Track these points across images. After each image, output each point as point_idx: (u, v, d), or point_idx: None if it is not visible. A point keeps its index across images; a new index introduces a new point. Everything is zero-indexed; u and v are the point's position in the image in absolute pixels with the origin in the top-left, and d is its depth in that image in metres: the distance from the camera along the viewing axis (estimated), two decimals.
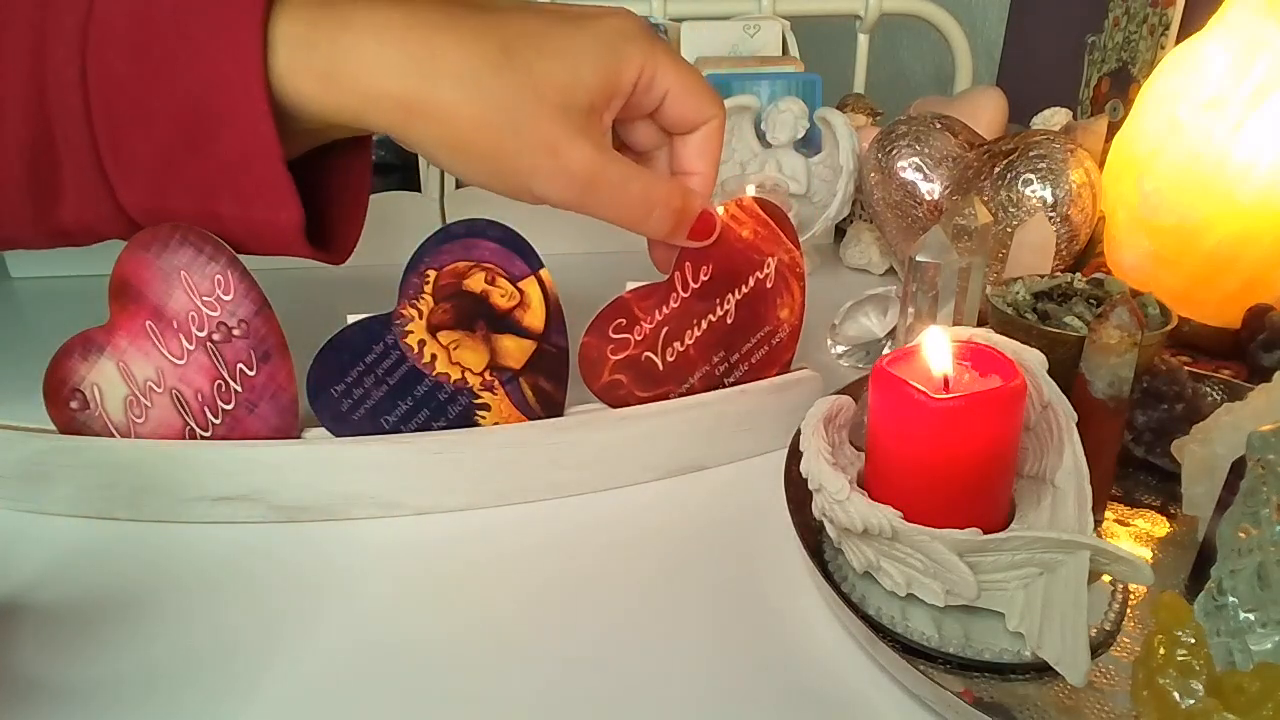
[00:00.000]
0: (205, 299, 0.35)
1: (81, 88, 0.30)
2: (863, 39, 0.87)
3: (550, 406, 0.38)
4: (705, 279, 0.38)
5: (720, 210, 0.37)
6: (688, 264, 0.38)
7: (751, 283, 0.39)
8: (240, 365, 0.36)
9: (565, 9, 0.34)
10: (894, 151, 0.58)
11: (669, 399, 0.40)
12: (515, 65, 0.31)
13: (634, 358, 0.39)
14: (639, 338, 0.38)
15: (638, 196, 0.33)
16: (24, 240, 0.34)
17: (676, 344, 0.39)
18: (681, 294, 0.38)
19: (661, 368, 0.39)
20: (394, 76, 0.31)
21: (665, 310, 0.38)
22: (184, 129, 0.31)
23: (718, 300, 0.39)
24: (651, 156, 0.38)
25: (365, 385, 0.36)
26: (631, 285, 0.38)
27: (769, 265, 0.39)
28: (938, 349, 0.30)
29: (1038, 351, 0.31)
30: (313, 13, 0.31)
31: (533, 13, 0.33)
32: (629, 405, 0.39)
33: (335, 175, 0.39)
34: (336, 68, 0.31)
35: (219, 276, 0.35)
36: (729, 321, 0.40)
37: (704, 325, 0.39)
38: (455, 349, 0.36)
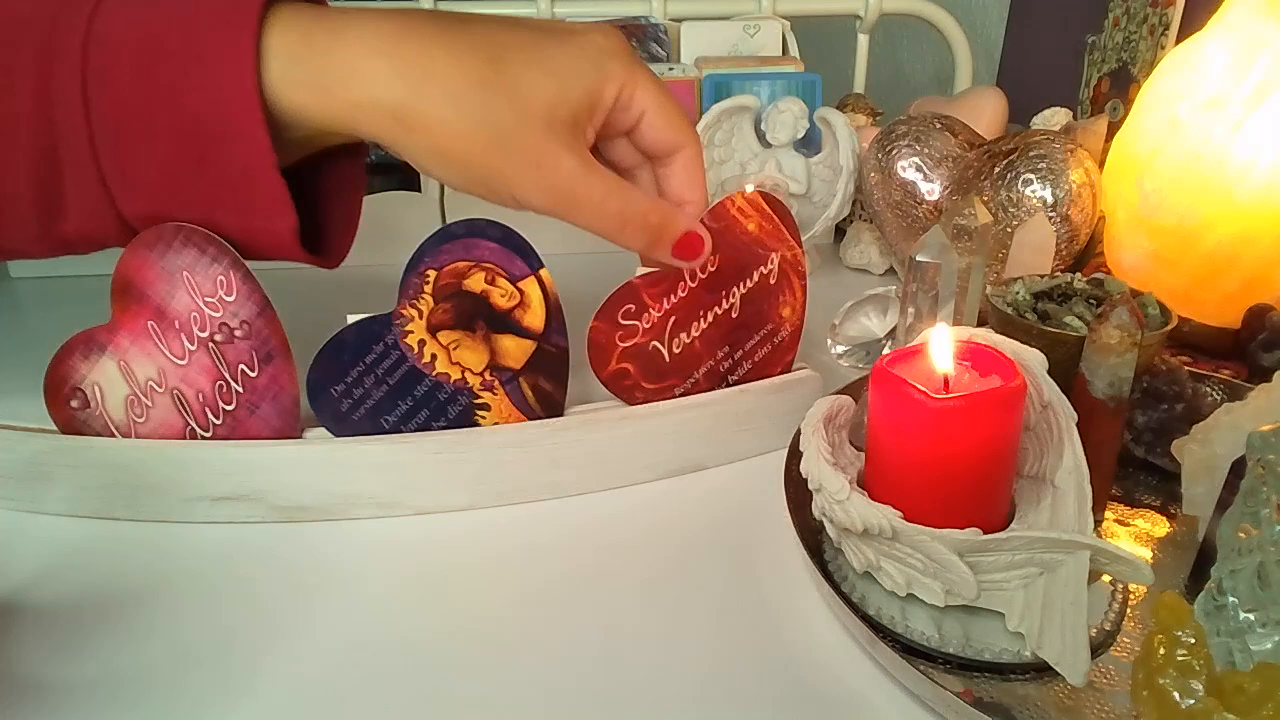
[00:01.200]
0: (208, 299, 0.35)
1: (83, 105, 0.31)
2: (863, 39, 0.87)
3: (550, 406, 0.38)
4: (712, 270, 0.38)
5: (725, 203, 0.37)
6: None
7: (756, 277, 0.40)
8: (242, 366, 0.36)
9: (553, 24, 0.34)
10: (894, 151, 0.58)
11: (674, 393, 0.40)
12: (503, 80, 0.31)
13: (641, 346, 0.39)
14: (647, 325, 0.38)
15: (614, 211, 0.34)
16: (27, 251, 0.35)
17: (683, 335, 0.39)
18: (689, 284, 0.38)
19: (668, 359, 0.39)
20: (385, 88, 0.31)
21: (673, 299, 0.38)
22: (183, 144, 0.31)
23: (724, 293, 0.39)
24: (633, 175, 0.38)
25: (365, 385, 0.36)
26: (641, 271, 0.38)
27: (772, 261, 0.40)
28: (938, 349, 0.30)
29: (1038, 351, 0.31)
30: (306, 24, 0.31)
31: (522, 27, 0.33)
32: (636, 397, 0.39)
33: (330, 181, 0.39)
34: (329, 78, 0.31)
35: (222, 277, 0.35)
36: (734, 316, 0.40)
37: (710, 318, 0.39)
38: (455, 349, 0.36)
